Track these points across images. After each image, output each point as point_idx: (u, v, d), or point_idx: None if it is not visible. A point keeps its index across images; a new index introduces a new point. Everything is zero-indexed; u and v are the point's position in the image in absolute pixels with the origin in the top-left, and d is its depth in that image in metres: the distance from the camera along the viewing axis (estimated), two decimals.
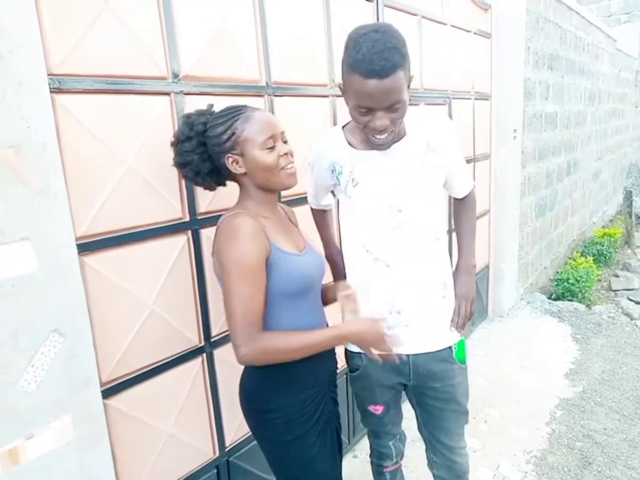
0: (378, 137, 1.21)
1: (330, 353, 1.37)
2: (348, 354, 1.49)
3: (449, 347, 1.42)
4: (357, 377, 1.48)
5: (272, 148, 1.21)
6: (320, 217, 1.68)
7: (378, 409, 1.50)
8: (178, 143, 1.28)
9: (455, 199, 1.55)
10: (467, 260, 1.52)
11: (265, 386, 1.25)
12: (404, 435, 1.66)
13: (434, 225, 1.37)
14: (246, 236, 1.14)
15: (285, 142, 1.27)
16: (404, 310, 1.37)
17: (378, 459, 1.64)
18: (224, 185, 1.36)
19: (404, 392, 1.54)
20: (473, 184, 1.53)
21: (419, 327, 1.38)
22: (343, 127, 1.38)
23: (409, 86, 1.19)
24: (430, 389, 1.43)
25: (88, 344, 1.27)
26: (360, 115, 1.18)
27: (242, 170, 1.23)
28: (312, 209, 1.68)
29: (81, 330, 1.24)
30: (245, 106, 1.26)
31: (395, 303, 1.37)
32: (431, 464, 1.59)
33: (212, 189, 1.36)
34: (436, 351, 1.40)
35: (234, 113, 1.23)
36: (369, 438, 1.65)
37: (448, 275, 1.44)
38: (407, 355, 1.39)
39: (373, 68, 1.06)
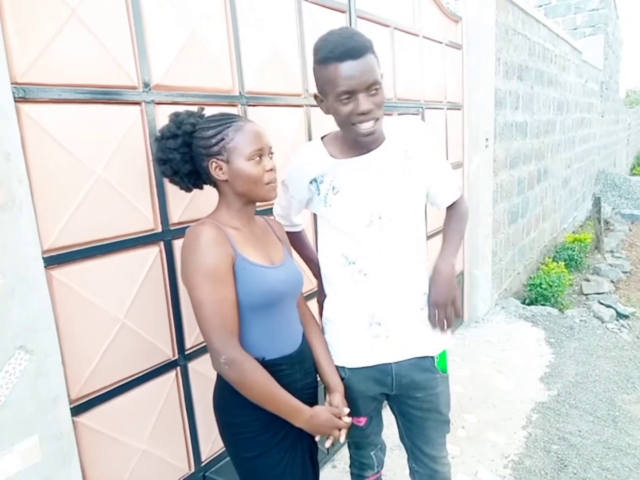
0: (365, 126, 1.20)
1: (302, 367, 1.34)
2: None
3: (432, 357, 1.41)
4: None
5: (258, 161, 1.22)
6: (296, 238, 1.63)
7: (361, 421, 1.49)
8: (162, 139, 1.26)
9: (446, 209, 1.50)
10: (446, 259, 1.40)
11: (231, 399, 1.23)
12: (384, 444, 1.65)
13: (415, 234, 1.37)
14: (207, 244, 1.14)
15: (271, 157, 1.27)
16: (384, 321, 1.36)
17: (359, 469, 1.62)
18: (201, 188, 1.34)
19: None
20: (460, 192, 1.49)
21: (399, 338, 1.37)
22: (322, 138, 1.38)
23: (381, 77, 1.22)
24: (413, 399, 1.43)
25: (56, 360, 1.23)
26: (343, 105, 1.18)
27: (224, 177, 1.23)
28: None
29: (49, 347, 1.21)
30: (239, 116, 1.27)
31: (375, 314, 1.36)
32: (413, 474, 1.58)
33: (187, 190, 1.35)
34: (418, 358, 1.39)
35: (227, 120, 1.23)
36: (349, 449, 1.63)
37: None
38: (390, 364, 1.38)
39: (345, 50, 1.12)
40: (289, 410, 1.20)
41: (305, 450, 1.35)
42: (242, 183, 1.22)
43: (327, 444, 1.31)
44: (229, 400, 1.25)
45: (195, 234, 1.17)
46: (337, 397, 1.35)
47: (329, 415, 1.26)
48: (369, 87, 1.16)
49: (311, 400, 1.33)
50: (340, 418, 1.29)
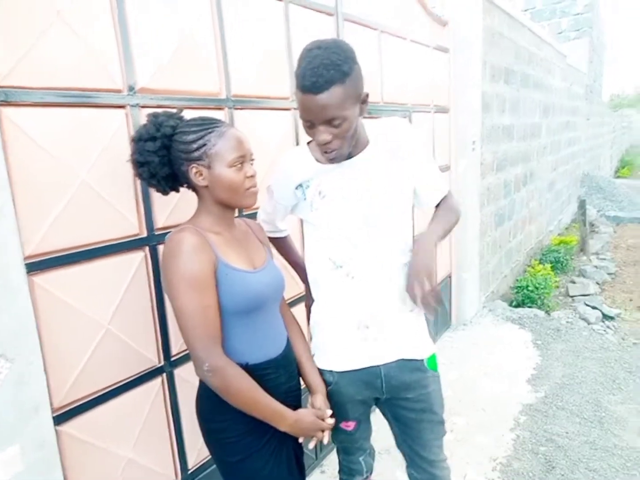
0: (325, 153, 1.23)
1: (287, 370, 1.33)
2: (319, 371, 1.45)
3: (421, 359, 1.41)
4: (328, 393, 1.45)
5: (240, 168, 1.21)
6: (281, 244, 1.63)
7: (350, 425, 1.48)
8: (140, 141, 1.23)
9: (435, 208, 1.47)
10: (428, 234, 1.34)
11: (213, 405, 1.22)
12: (373, 449, 1.64)
13: (402, 235, 1.37)
14: (188, 250, 1.13)
15: (252, 163, 1.26)
16: (372, 324, 1.36)
17: (348, 475, 1.61)
18: (177, 191, 1.33)
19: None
20: (447, 190, 1.47)
21: (388, 341, 1.37)
22: (308, 143, 1.37)
23: (363, 102, 1.21)
24: (404, 400, 1.42)
25: (38, 368, 1.21)
26: (306, 128, 1.21)
27: (204, 182, 1.21)
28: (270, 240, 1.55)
29: (30, 354, 1.18)
30: (221, 121, 1.25)
31: (363, 317, 1.35)
32: None
33: (164, 193, 1.33)
34: (407, 360, 1.39)
35: (208, 125, 1.21)
36: (338, 455, 1.62)
37: None
38: (378, 367, 1.38)
39: (305, 84, 1.11)
40: (273, 415, 1.20)
41: (290, 452, 1.34)
42: (223, 190, 1.21)
43: (311, 445, 1.31)
44: (212, 406, 1.23)
45: (176, 241, 1.15)
46: (319, 398, 1.36)
47: (312, 418, 1.27)
48: (327, 121, 1.15)
49: (295, 403, 1.33)
50: (323, 420, 1.30)
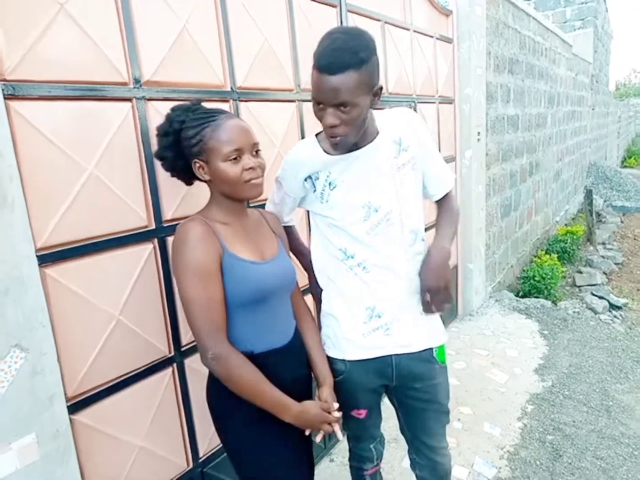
0: (331, 137, 1.23)
1: (294, 359, 1.34)
2: (330, 360, 1.46)
3: (431, 349, 1.42)
4: (340, 382, 1.45)
5: (236, 160, 1.19)
6: (286, 232, 1.60)
7: (361, 413, 1.49)
8: (157, 136, 1.28)
9: (437, 204, 1.50)
10: (439, 244, 1.38)
11: (222, 391, 1.23)
12: (384, 437, 1.66)
13: (413, 225, 1.38)
14: (193, 240, 1.15)
15: (256, 154, 1.25)
16: (384, 313, 1.37)
17: (358, 462, 1.63)
18: (201, 181, 1.34)
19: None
20: (453, 184, 1.49)
21: (400, 330, 1.38)
22: (317, 135, 1.38)
23: (376, 94, 1.21)
24: (412, 389, 1.44)
25: (52, 358, 1.23)
26: (316, 110, 1.22)
27: (206, 177, 1.24)
28: None
29: (44, 345, 1.20)
30: (220, 113, 1.25)
31: (375, 307, 1.37)
32: (414, 465, 1.59)
33: (188, 183, 1.36)
34: (418, 352, 1.40)
35: (206, 119, 1.22)
36: (348, 442, 1.64)
37: None
38: (390, 356, 1.39)
39: (322, 63, 1.12)
40: (275, 405, 1.20)
41: (298, 440, 1.34)
42: (222, 183, 1.22)
43: (317, 439, 1.32)
44: (220, 393, 1.25)
45: (183, 231, 1.18)
46: (326, 390, 1.36)
47: (318, 410, 1.26)
48: (337, 104, 1.15)
49: (303, 393, 1.34)
50: (330, 412, 1.29)
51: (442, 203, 1.50)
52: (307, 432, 1.29)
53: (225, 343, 1.16)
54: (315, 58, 1.15)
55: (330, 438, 2.43)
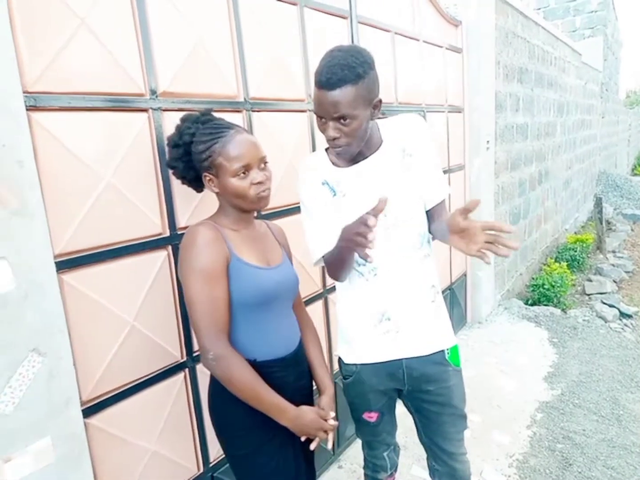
0: (333, 148, 1.29)
1: (296, 370, 1.36)
2: (341, 361, 1.50)
3: (442, 351, 1.44)
4: (350, 384, 1.48)
5: (244, 176, 1.23)
6: None
7: (372, 416, 1.50)
8: (168, 146, 1.33)
9: (431, 218, 1.42)
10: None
11: (222, 398, 1.25)
12: (398, 446, 1.66)
13: (419, 228, 1.40)
14: (201, 243, 1.18)
15: (263, 167, 1.28)
16: (394, 316, 1.39)
17: (372, 471, 1.63)
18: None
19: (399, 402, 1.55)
20: (447, 193, 1.44)
21: (410, 333, 1.40)
22: (326, 149, 1.42)
23: (375, 107, 1.24)
24: (426, 393, 1.45)
25: (68, 362, 1.25)
26: (319, 124, 1.28)
27: (216, 190, 1.28)
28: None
29: (60, 349, 1.23)
30: (230, 127, 1.28)
31: (385, 310, 1.39)
32: (432, 472, 1.58)
33: (199, 190, 1.41)
34: (429, 355, 1.42)
35: (216, 134, 1.25)
36: (363, 450, 1.65)
37: (436, 278, 1.46)
38: (401, 360, 1.41)
39: (321, 79, 1.18)
40: (273, 408, 1.21)
41: (298, 448, 1.35)
42: (230, 197, 1.27)
43: (312, 446, 1.32)
44: (221, 401, 1.27)
45: (191, 233, 1.21)
46: (325, 399, 1.38)
47: (314, 416, 1.27)
48: (337, 118, 1.21)
49: (305, 402, 1.35)
50: (326, 420, 1.30)
51: (439, 216, 1.41)
52: (302, 439, 1.29)
53: (227, 344, 1.18)
54: (316, 75, 1.21)
55: (338, 444, 2.43)
